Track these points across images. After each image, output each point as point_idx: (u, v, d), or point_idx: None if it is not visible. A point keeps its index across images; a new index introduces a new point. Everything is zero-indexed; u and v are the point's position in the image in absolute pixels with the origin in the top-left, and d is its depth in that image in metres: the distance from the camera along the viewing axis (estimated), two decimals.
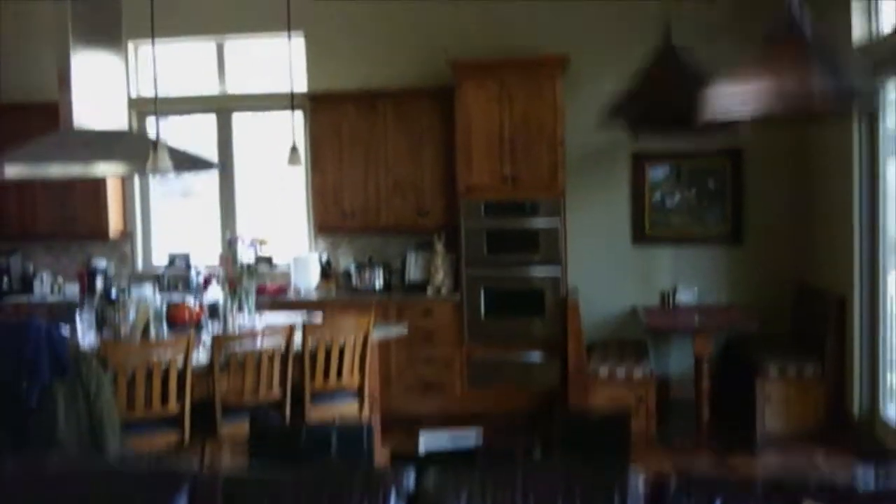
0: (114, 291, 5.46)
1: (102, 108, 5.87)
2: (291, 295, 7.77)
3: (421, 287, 7.72)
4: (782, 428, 6.75)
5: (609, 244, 7.87)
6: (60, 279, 8.24)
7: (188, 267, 8.21)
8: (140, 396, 4.79)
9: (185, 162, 5.68)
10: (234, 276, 5.87)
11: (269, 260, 8.15)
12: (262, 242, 5.91)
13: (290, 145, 5.79)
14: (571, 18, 7.74)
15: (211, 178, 8.30)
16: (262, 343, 5.12)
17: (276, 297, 7.59)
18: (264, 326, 5.59)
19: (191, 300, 6.01)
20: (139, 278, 8.30)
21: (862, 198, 6.55)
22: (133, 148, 5.52)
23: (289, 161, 5.76)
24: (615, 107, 2.67)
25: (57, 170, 5.36)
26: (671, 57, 2.28)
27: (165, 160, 5.05)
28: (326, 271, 7.92)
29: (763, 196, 7.68)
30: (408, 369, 7.55)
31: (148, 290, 5.51)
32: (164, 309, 5.54)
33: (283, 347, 5.19)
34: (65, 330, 5.41)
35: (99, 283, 8.08)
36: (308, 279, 7.91)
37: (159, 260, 8.41)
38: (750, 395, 6.80)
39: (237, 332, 5.63)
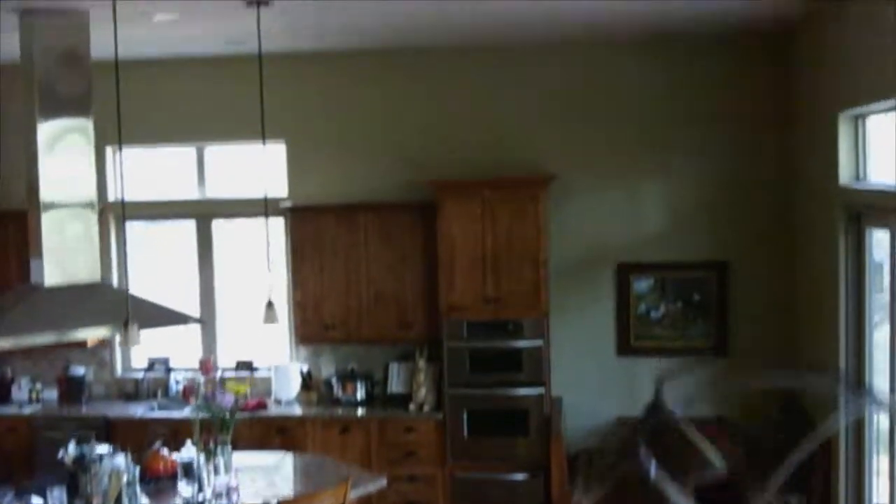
0: (85, 458, 5.35)
1: (74, 256, 5.75)
2: (272, 408, 7.67)
3: (403, 399, 7.63)
4: None
5: (594, 355, 7.79)
6: (39, 385, 8.12)
7: (168, 370, 8.14)
8: None
9: (165, 319, 5.58)
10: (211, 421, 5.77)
11: (249, 364, 8.14)
12: (237, 391, 5.80)
13: (265, 302, 5.68)
14: (556, 134, 7.67)
15: (191, 283, 8.22)
16: None
17: (255, 413, 7.49)
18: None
19: (165, 451, 5.93)
20: (118, 384, 8.23)
21: (848, 322, 6.48)
22: (108, 307, 5.38)
23: (265, 319, 5.65)
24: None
25: (32, 339, 5.27)
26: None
27: (136, 336, 4.95)
28: (307, 382, 7.83)
29: (749, 308, 7.61)
30: (390, 487, 7.39)
31: (120, 459, 5.41)
32: (137, 473, 5.45)
33: None
34: (36, 501, 5.33)
35: (77, 378, 8.04)
36: (289, 389, 7.83)
37: (139, 363, 8.30)
38: None
39: (213, 491, 5.55)
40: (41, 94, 5.68)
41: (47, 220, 5.69)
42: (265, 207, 6.41)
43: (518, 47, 7.61)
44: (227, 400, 5.75)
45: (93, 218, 5.92)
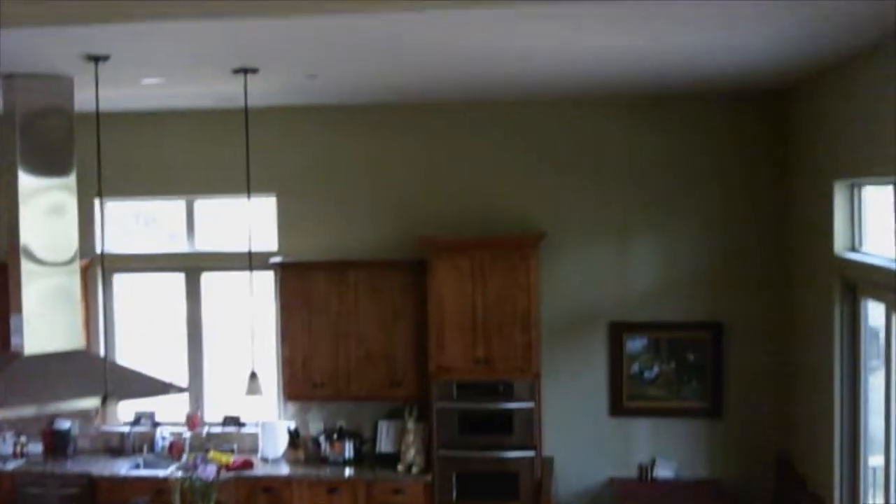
0: None
1: (54, 318, 5.66)
2: (258, 466, 7.52)
3: (392, 458, 7.50)
4: None
5: (586, 415, 7.66)
6: (24, 439, 7.99)
7: (154, 425, 7.99)
8: None
9: (147, 390, 5.47)
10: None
11: (236, 420, 8.02)
12: (220, 461, 5.69)
13: (249, 372, 5.57)
14: (549, 191, 7.60)
15: (179, 336, 8.12)
16: None
17: (240, 473, 7.35)
18: None
19: None
20: (104, 438, 8.09)
21: (843, 388, 6.37)
22: (89, 377, 5.28)
23: (247, 391, 5.55)
24: None
25: (11, 413, 5.17)
26: None
27: (115, 414, 4.87)
28: (294, 439, 7.71)
29: (743, 369, 7.49)
30: None
31: None
32: None
33: None
34: None
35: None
36: (276, 446, 7.71)
37: (125, 417, 8.16)
38: None
39: None
40: (23, 152, 5.63)
41: (28, 278, 5.64)
42: (250, 264, 6.34)
43: (511, 104, 7.54)
44: (210, 471, 5.65)
45: (74, 277, 5.84)
